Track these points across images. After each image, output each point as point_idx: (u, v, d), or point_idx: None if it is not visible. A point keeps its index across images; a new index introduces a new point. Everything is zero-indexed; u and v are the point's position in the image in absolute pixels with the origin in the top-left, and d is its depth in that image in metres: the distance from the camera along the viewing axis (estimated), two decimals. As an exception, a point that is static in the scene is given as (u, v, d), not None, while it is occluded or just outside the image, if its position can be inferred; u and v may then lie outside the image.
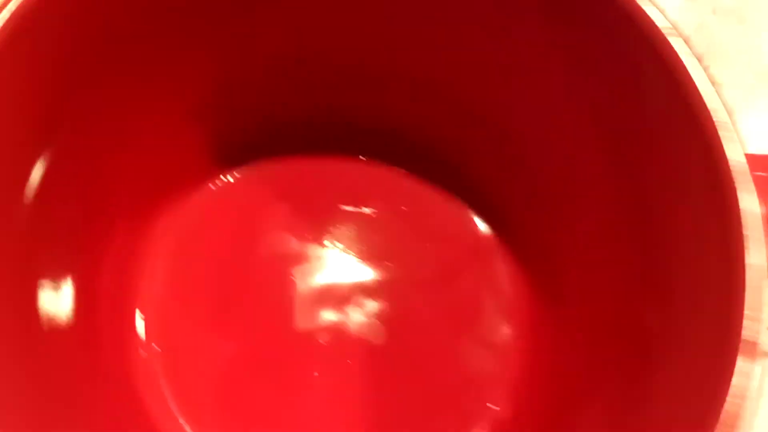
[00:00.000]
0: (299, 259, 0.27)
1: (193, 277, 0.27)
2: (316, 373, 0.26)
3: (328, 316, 0.27)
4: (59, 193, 0.22)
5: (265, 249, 0.27)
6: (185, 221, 0.28)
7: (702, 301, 0.17)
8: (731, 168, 0.17)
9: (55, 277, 0.23)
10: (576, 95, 0.22)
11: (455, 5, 0.23)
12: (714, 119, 0.18)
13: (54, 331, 0.22)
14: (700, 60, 0.19)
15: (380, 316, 0.27)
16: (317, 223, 0.28)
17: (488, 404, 0.25)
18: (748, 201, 0.17)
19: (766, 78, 0.30)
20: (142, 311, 0.26)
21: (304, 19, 0.25)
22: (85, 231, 0.24)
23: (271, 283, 0.27)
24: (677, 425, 0.16)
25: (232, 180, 0.29)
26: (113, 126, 0.24)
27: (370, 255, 0.27)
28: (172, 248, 0.27)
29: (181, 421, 0.24)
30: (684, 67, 0.18)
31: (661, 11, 0.19)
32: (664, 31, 0.19)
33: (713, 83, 0.18)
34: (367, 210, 0.28)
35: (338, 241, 0.28)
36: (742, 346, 0.16)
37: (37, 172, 0.21)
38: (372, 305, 0.27)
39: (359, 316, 0.27)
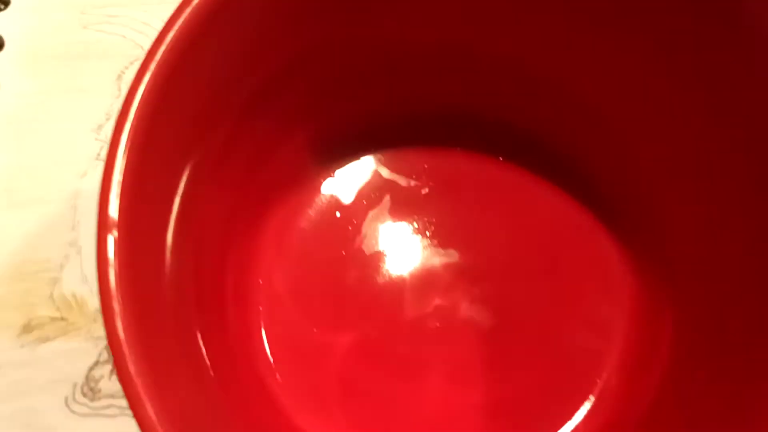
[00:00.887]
0: (403, 250, 0.29)
1: (306, 278, 0.28)
2: (429, 359, 0.27)
3: (436, 303, 0.28)
4: (192, 211, 0.24)
5: (370, 243, 0.29)
6: (293, 224, 0.29)
7: None
8: None
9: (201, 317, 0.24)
10: (683, 81, 0.22)
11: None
12: None
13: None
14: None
15: (486, 302, 0.28)
16: (418, 214, 0.29)
17: (596, 380, 0.26)
18: None
19: None
20: (264, 317, 0.28)
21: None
22: (210, 251, 0.25)
23: (379, 276, 0.28)
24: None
25: (333, 178, 0.30)
26: (241, 144, 0.25)
27: (471, 243, 0.29)
28: (285, 252, 0.29)
29: (312, 413, 0.26)
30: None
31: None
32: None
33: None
34: (466, 199, 0.29)
35: (439, 231, 0.29)
36: None
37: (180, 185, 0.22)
38: (477, 291, 0.28)
39: (466, 302, 0.28)
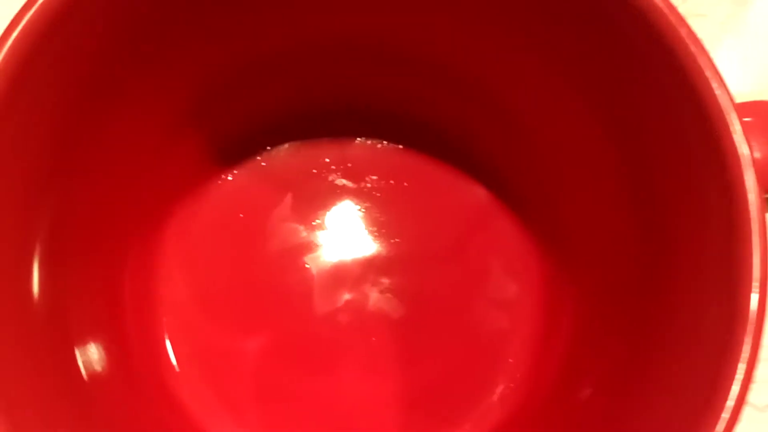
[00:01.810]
0: (310, 246, 0.28)
1: (211, 282, 0.28)
2: (342, 353, 0.27)
3: (346, 297, 0.28)
4: (70, 235, 0.23)
5: (275, 242, 0.28)
6: (193, 228, 0.28)
7: (707, 247, 0.19)
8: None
9: (82, 320, 0.23)
10: (566, 65, 0.23)
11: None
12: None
13: (94, 377, 0.23)
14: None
15: (395, 291, 0.28)
16: (321, 208, 0.29)
17: (509, 360, 0.27)
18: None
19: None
20: (168, 326, 0.27)
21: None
22: (101, 265, 0.25)
23: (286, 274, 0.28)
24: (696, 373, 0.18)
25: (231, 178, 0.29)
26: (111, 149, 0.24)
27: (378, 233, 0.28)
28: (186, 257, 0.28)
29: (227, 419, 0.26)
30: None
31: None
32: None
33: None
34: (370, 189, 0.29)
35: (345, 223, 0.29)
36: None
37: (43, 221, 0.21)
38: (386, 281, 0.28)
39: (375, 293, 0.28)
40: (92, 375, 0.23)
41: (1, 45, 0.18)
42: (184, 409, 0.26)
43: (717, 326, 0.17)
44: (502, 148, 0.28)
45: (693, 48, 0.18)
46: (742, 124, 0.18)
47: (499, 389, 0.26)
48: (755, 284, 0.17)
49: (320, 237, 0.28)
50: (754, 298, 0.17)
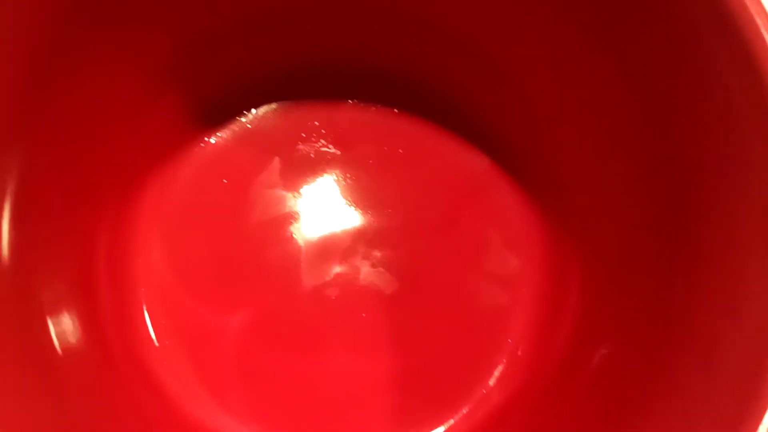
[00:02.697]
0: (297, 216, 0.27)
1: (191, 253, 0.26)
2: (331, 330, 0.25)
3: (335, 270, 0.26)
4: (40, 196, 0.21)
5: (260, 211, 0.27)
6: (172, 194, 0.26)
7: (746, 207, 0.16)
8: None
9: (55, 288, 0.22)
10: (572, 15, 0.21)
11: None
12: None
13: (68, 350, 0.21)
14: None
15: (387, 264, 0.26)
16: (310, 175, 0.27)
17: (508, 340, 0.25)
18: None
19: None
20: (146, 298, 0.25)
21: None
22: (74, 229, 0.23)
23: (271, 246, 0.26)
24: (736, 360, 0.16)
25: (214, 141, 0.27)
26: (84, 105, 0.22)
27: (370, 203, 0.27)
28: (165, 226, 0.26)
29: (208, 401, 0.24)
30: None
31: None
32: None
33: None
34: (362, 156, 0.27)
35: (335, 192, 0.27)
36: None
37: (10, 177, 0.20)
38: (377, 254, 0.26)
39: (366, 266, 0.26)
40: (66, 348, 0.22)
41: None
42: (162, 387, 0.25)
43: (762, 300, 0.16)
44: (500, 110, 0.26)
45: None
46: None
47: (499, 370, 0.25)
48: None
49: (308, 206, 0.27)
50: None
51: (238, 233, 0.26)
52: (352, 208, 0.27)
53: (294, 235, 0.26)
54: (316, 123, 0.27)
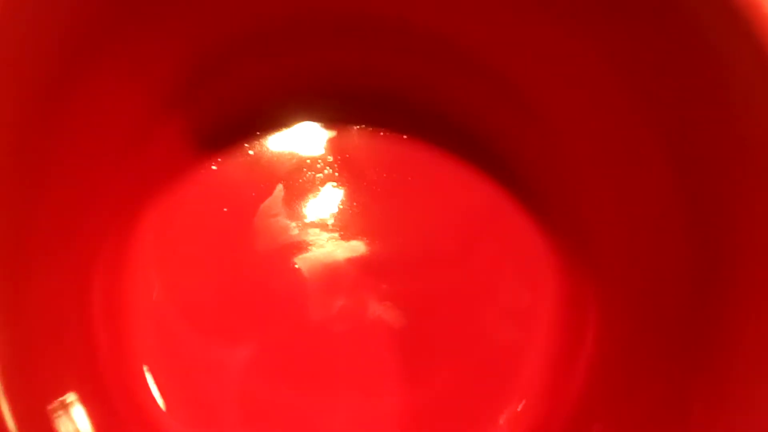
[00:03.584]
0: (302, 246, 0.26)
1: (190, 284, 0.25)
2: (338, 368, 0.24)
3: (341, 304, 0.25)
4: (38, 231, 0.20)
5: (263, 241, 0.26)
6: (173, 224, 0.26)
7: None
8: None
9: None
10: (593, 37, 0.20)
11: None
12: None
13: None
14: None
15: (396, 298, 0.25)
16: (316, 203, 0.26)
17: (523, 377, 0.24)
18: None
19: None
20: (141, 328, 0.24)
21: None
22: (70, 261, 0.22)
23: (275, 277, 0.25)
24: None
25: (215, 168, 0.26)
26: (86, 136, 0.22)
27: (377, 233, 0.26)
28: (163, 254, 0.25)
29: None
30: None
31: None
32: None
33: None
34: (369, 183, 0.26)
35: (341, 220, 0.26)
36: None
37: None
38: (385, 287, 0.25)
39: (374, 300, 0.25)
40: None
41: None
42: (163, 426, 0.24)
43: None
44: (515, 137, 0.25)
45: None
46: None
47: (511, 409, 0.24)
48: None
49: (313, 235, 0.26)
50: None
51: (240, 264, 0.25)
52: (359, 238, 0.26)
53: (298, 266, 0.26)
54: (323, 149, 0.27)
